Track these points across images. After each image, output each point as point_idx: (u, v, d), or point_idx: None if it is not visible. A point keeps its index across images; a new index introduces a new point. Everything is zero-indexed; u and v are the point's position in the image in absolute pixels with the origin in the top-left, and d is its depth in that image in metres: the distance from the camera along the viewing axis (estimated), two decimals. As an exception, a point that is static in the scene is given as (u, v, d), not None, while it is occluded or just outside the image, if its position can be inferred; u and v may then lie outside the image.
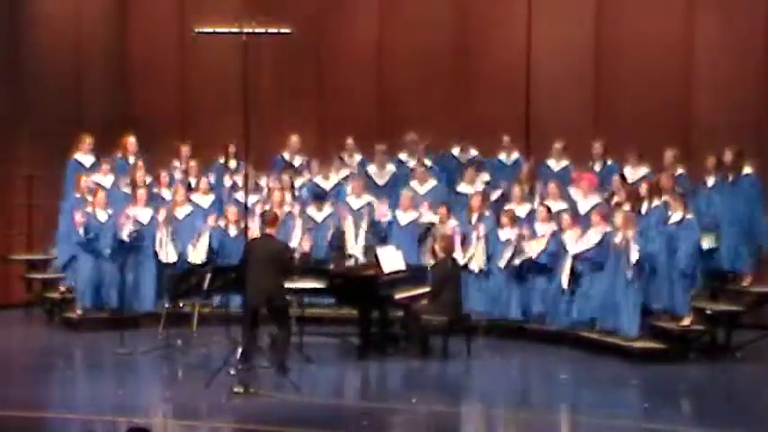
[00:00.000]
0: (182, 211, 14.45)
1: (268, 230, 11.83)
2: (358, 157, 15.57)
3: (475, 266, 13.89)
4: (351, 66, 16.81)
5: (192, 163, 15.17)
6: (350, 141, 15.58)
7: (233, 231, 14.25)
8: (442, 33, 16.55)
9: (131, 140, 15.14)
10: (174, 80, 16.91)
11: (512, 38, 16.32)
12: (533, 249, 13.61)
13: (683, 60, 15.72)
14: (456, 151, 15.51)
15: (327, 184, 15.17)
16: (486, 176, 15.17)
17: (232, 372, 11.20)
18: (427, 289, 12.96)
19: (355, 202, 14.66)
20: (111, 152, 15.02)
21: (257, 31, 11.82)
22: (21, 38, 15.49)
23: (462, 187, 14.96)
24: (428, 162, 15.28)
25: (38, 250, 15.18)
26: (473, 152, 15.50)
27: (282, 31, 12.48)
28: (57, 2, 16.25)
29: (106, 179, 14.68)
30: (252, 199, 13.83)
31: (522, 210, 14.26)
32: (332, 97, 16.76)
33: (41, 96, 15.54)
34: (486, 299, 13.97)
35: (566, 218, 13.56)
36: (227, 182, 15.05)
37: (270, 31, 12.17)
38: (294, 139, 15.57)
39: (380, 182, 15.25)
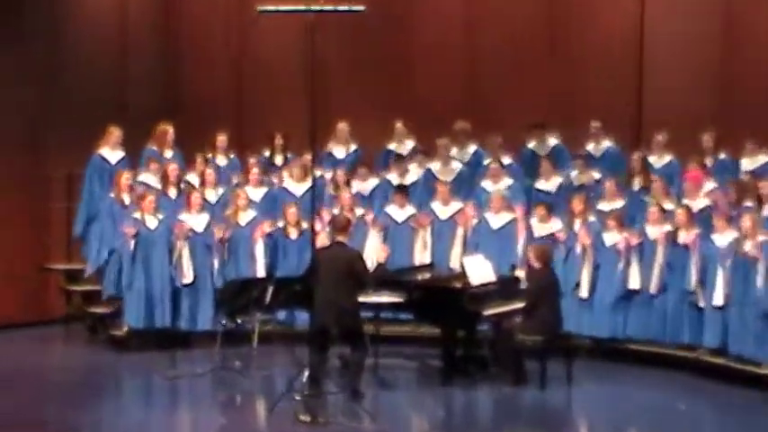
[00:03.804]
0: (244, 217, 13.71)
1: (339, 238, 11.17)
2: (410, 144, 14.82)
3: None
4: (433, 47, 16.02)
5: (231, 155, 14.58)
6: (399, 125, 14.81)
7: (293, 234, 13.69)
8: (538, 9, 15.78)
9: (170, 130, 14.27)
10: (228, 63, 16.45)
11: (621, 10, 15.48)
12: None
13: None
14: (532, 144, 14.57)
15: (406, 182, 14.39)
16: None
17: (298, 397, 10.78)
18: (521, 304, 12.13)
19: (442, 210, 13.79)
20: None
21: (326, 8, 11.22)
22: (62, 24, 14.98)
23: (541, 184, 14.07)
24: (507, 160, 14.39)
25: (78, 258, 14.51)
26: (552, 141, 14.50)
27: (354, 8, 11.74)
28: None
29: (155, 179, 13.92)
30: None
31: (616, 204, 13.30)
32: (409, 82, 16.00)
33: (81, 88, 14.94)
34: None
35: (680, 212, 12.59)
36: (274, 179, 14.42)
37: (340, 8, 11.55)
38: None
39: (445, 180, 14.37)
